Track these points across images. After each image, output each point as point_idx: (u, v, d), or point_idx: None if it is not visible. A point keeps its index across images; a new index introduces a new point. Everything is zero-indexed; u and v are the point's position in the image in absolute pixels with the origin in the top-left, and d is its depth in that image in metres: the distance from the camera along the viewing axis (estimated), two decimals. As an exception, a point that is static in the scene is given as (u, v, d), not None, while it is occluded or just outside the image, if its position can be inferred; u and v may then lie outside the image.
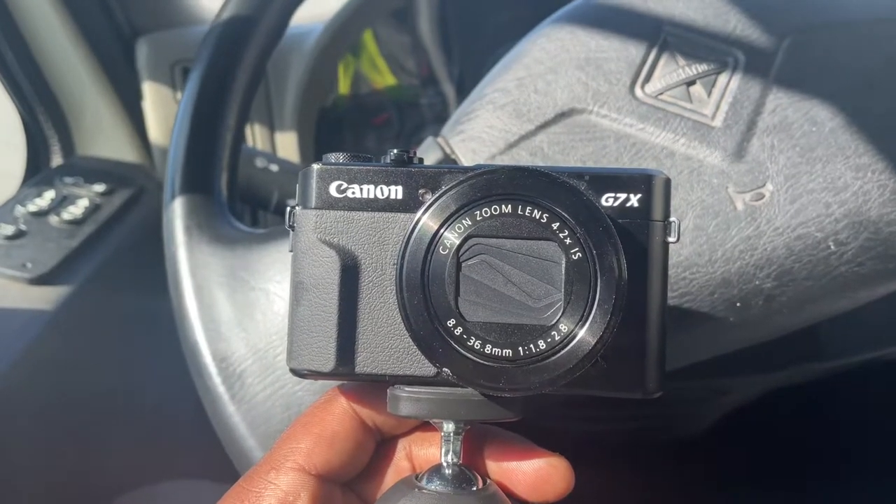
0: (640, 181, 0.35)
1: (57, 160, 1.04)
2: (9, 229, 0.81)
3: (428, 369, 0.35)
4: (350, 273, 0.36)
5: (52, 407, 0.72)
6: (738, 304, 0.49)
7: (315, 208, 0.36)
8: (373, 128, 1.20)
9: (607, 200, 0.35)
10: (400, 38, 1.18)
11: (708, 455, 1.04)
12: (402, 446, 0.39)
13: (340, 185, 0.36)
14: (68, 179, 0.92)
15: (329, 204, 0.36)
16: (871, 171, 0.49)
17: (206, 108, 0.59)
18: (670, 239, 0.35)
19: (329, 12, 1.08)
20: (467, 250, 0.34)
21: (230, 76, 0.60)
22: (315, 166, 0.36)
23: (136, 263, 0.86)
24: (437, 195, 0.34)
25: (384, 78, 1.16)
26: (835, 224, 0.48)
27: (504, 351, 0.33)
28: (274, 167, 0.80)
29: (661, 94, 0.53)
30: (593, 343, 0.33)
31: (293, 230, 0.37)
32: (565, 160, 0.52)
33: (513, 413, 0.36)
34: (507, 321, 0.33)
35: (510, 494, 0.37)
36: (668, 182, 0.36)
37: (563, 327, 0.33)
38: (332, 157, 0.37)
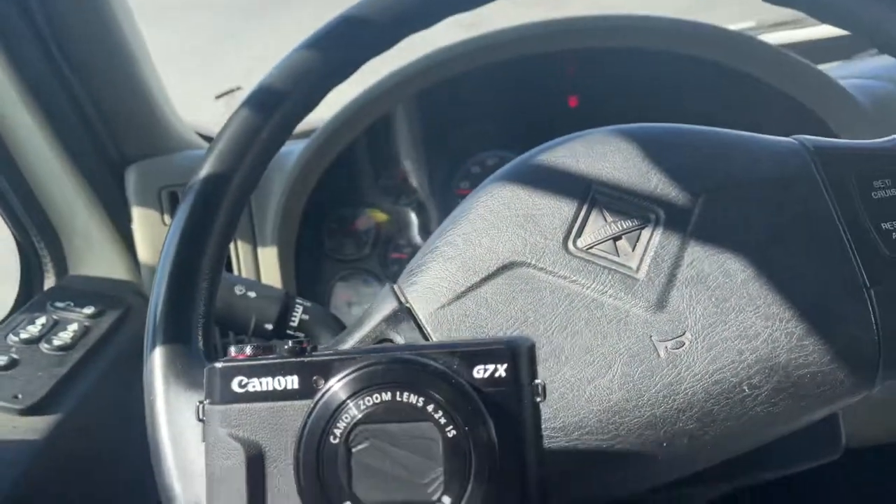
0: (505, 353, 0.40)
1: (50, 280, 1.09)
2: (2, 360, 0.86)
3: None
4: (256, 462, 0.40)
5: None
6: (664, 444, 0.54)
7: (220, 403, 0.40)
8: (351, 234, 1.27)
9: (478, 372, 0.39)
10: (370, 151, 1.25)
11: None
12: None
13: (241, 381, 0.40)
14: (59, 304, 0.97)
15: (232, 398, 0.40)
16: (778, 319, 0.54)
17: (182, 262, 0.64)
18: (538, 398, 0.40)
19: (309, 124, 1.16)
20: (356, 436, 0.38)
21: (205, 232, 0.65)
22: (217, 365, 0.41)
23: (123, 386, 0.90)
24: (323, 390, 0.38)
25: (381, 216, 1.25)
26: (748, 369, 0.54)
27: None
28: (252, 294, 0.85)
29: (592, 247, 0.59)
30: None
31: (203, 424, 0.41)
32: (507, 310, 0.57)
33: None
34: (398, 499, 0.37)
35: None
36: (531, 349, 0.41)
37: (447, 500, 0.37)
38: (234, 349, 0.42)
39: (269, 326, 0.83)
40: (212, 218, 0.66)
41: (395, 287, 0.62)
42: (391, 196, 1.27)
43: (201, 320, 0.64)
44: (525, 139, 0.78)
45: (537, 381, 0.41)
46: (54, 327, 0.93)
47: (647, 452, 0.54)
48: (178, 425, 0.59)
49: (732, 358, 0.54)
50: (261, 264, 1.13)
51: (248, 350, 0.42)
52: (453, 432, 0.38)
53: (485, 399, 0.39)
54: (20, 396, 0.81)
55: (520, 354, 0.40)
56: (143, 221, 1.08)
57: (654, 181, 0.60)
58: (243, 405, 0.40)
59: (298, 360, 0.40)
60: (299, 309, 0.84)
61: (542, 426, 0.54)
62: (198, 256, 0.64)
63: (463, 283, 0.59)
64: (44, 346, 0.89)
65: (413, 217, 1.27)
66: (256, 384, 0.40)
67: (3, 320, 0.99)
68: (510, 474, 0.39)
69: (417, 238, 1.26)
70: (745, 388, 0.54)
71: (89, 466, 0.84)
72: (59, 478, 0.80)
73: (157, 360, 0.61)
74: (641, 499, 0.84)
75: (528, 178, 0.62)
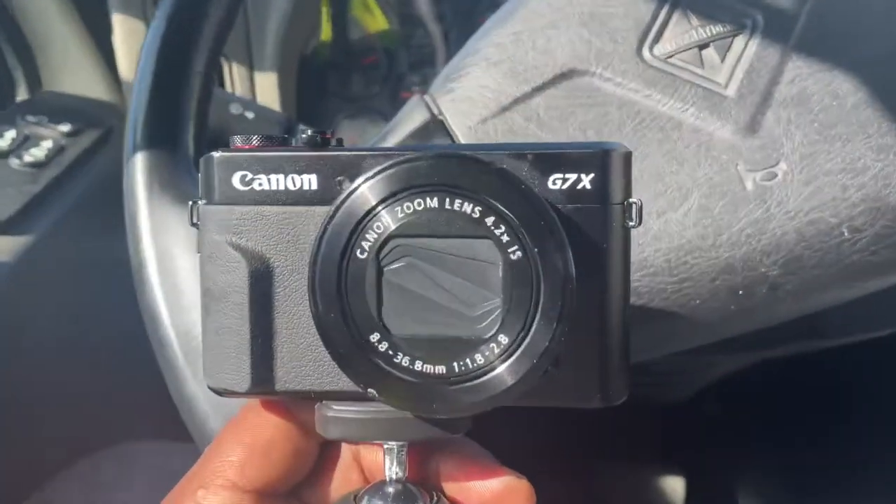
0: (592, 159, 0.30)
1: (22, 94, 0.98)
2: (-35, 172, 0.76)
3: None
4: (262, 279, 0.31)
5: (9, 362, 0.69)
6: (740, 292, 0.46)
7: (218, 203, 0.32)
8: (359, 70, 1.14)
9: (555, 183, 0.30)
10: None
11: (690, 417, 1.03)
12: (349, 447, 0.35)
13: (245, 176, 0.31)
14: (31, 118, 0.86)
15: (234, 199, 0.31)
16: (893, 152, 0.45)
17: (171, 50, 0.54)
18: (630, 224, 0.31)
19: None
20: (389, 252, 0.29)
21: (200, 14, 0.54)
22: (215, 154, 0.32)
23: (102, 211, 0.81)
24: (349, 189, 0.30)
25: (377, 21, 1.10)
26: (851, 209, 0.45)
27: (437, 368, 0.29)
28: (250, 114, 0.75)
29: (671, 56, 0.48)
30: (538, 356, 0.29)
31: (197, 228, 0.32)
32: (563, 127, 0.48)
33: (457, 430, 0.33)
34: (439, 333, 0.29)
35: None
36: (626, 157, 0.31)
37: (504, 338, 0.29)
38: (239, 139, 0.33)
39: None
40: (205, 4, 0.54)
41: (428, 97, 0.52)
42: (408, 25, 1.14)
43: (192, 123, 0.54)
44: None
45: (632, 199, 0.31)
46: (25, 142, 0.82)
47: (719, 301, 0.46)
48: (164, 241, 0.50)
49: (834, 194, 0.45)
50: (257, 91, 1.01)
51: (256, 140, 0.33)
52: (518, 254, 0.29)
53: (562, 216, 0.30)
54: (-14, 212, 0.73)
55: (611, 163, 0.30)
56: (125, 32, 0.95)
57: (753, -21, 0.49)
58: (247, 207, 0.31)
59: (319, 153, 0.31)
60: (304, 135, 0.74)
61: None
62: (190, 45, 0.54)
63: (510, 92, 0.49)
64: (13, 161, 0.80)
65: (427, 54, 1.15)
66: (264, 181, 0.31)
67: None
68: (589, 315, 0.31)
69: (433, 74, 1.14)
70: (845, 230, 0.45)
71: (65, 296, 0.77)
72: (30, 300, 0.72)
73: (139, 164, 0.52)
74: (662, 362, 0.79)
75: (598, -32, 0.51)
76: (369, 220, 0.29)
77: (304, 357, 0.32)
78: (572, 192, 0.30)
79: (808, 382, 0.97)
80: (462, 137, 0.49)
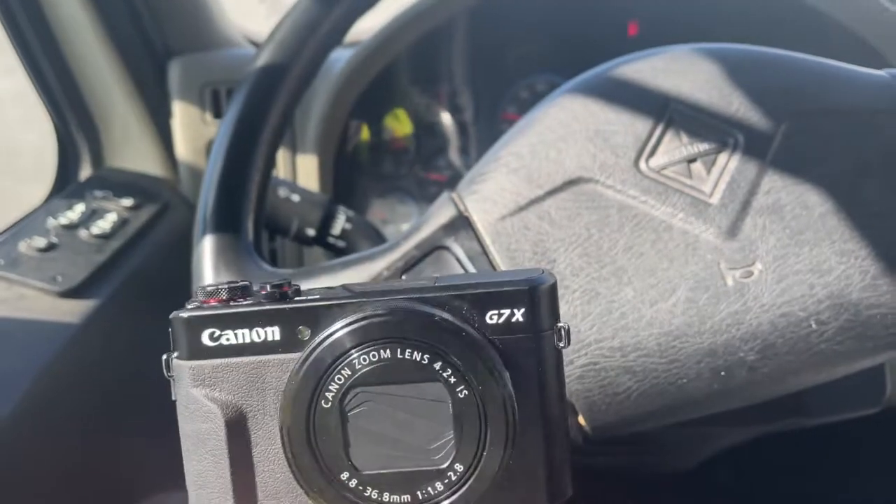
0: (521, 295, 0.34)
1: (86, 171, 1.08)
2: (41, 242, 0.86)
3: None
4: (236, 425, 0.34)
5: (74, 418, 0.76)
6: (722, 373, 0.53)
7: (188, 359, 0.34)
8: (390, 153, 1.24)
9: (491, 318, 0.34)
10: (419, 60, 1.21)
11: (698, 484, 1.07)
12: None
13: (213, 333, 0.34)
14: (98, 193, 0.96)
15: (203, 354, 0.34)
16: (854, 256, 0.52)
17: (237, 152, 0.63)
18: (560, 345, 0.35)
19: (357, 34, 1.12)
20: (351, 399, 0.33)
21: (262, 122, 0.64)
22: (182, 315, 0.34)
23: (160, 279, 0.90)
24: (309, 348, 0.33)
25: (403, 127, 1.21)
26: (817, 305, 0.52)
27: (402, 497, 0.33)
28: (295, 197, 0.84)
29: (664, 168, 0.56)
30: (490, 479, 0.32)
31: (172, 380, 0.35)
32: (571, 226, 0.56)
33: None
34: (402, 467, 0.33)
35: None
36: (551, 288, 0.35)
37: (459, 467, 0.33)
38: (202, 293, 0.35)
39: (311, 232, 0.81)
40: (268, 108, 0.64)
41: (455, 195, 0.60)
42: (434, 115, 1.24)
43: (252, 213, 0.63)
44: (579, 64, 0.74)
45: (560, 324, 0.35)
46: (93, 215, 0.92)
47: (704, 381, 0.53)
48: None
49: (803, 291, 0.52)
50: (298, 173, 1.11)
51: (224, 293, 0.35)
52: (465, 392, 0.32)
53: (500, 350, 0.34)
54: (59, 279, 0.81)
55: (539, 295, 0.34)
56: (184, 117, 1.06)
57: (735, 104, 0.57)
58: (217, 361, 0.34)
59: (279, 306, 0.34)
60: (342, 217, 0.82)
61: (600, 345, 0.53)
62: (252, 146, 0.63)
63: (526, 195, 0.57)
64: (82, 233, 0.89)
65: (455, 139, 1.25)
66: (231, 336, 0.34)
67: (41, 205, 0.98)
68: (531, 436, 0.34)
69: (457, 160, 1.23)
70: (813, 323, 0.52)
71: (124, 357, 0.85)
72: (93, 363, 0.80)
73: (207, 247, 0.60)
74: (664, 433, 0.84)
75: (602, 91, 0.60)
76: (331, 374, 0.33)
77: (282, 491, 0.34)
78: (507, 325, 0.34)
79: (818, 449, 1.01)
80: (484, 232, 0.57)
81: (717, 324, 0.52)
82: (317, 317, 0.34)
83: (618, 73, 0.60)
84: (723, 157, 0.56)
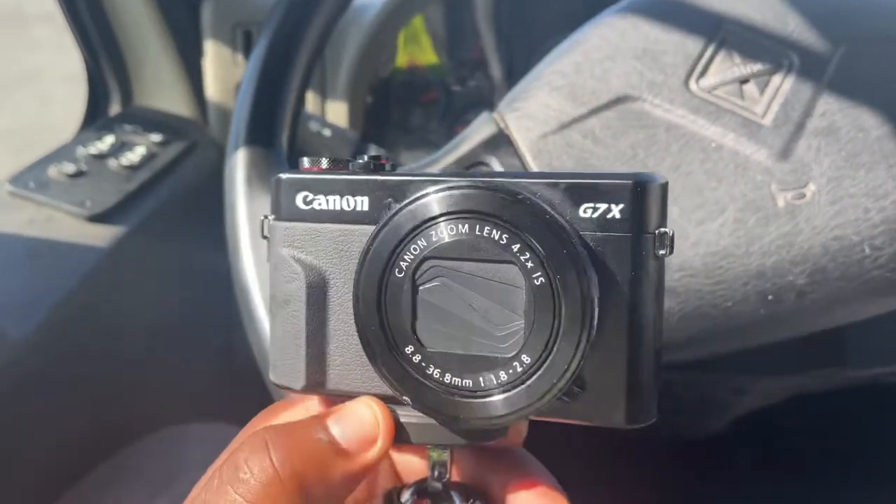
0: (621, 190, 0.31)
1: (115, 108, 1.08)
2: (70, 168, 0.85)
3: None
4: (317, 289, 0.34)
5: (96, 340, 0.76)
6: (770, 297, 0.51)
7: (283, 220, 0.35)
8: (420, 105, 1.23)
9: (586, 212, 0.31)
10: (447, 19, 1.20)
11: (715, 455, 1.05)
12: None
13: (307, 196, 0.34)
14: (127, 127, 0.96)
15: (296, 216, 0.34)
16: None
17: (273, 67, 0.62)
18: (661, 252, 0.32)
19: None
20: (424, 272, 0.31)
21: (298, 40, 0.62)
22: (282, 176, 0.35)
23: (186, 214, 0.89)
24: (390, 213, 0.32)
25: (426, 55, 1.19)
26: (872, 229, 0.50)
27: (464, 381, 0.31)
28: (326, 132, 0.83)
29: (715, 89, 0.55)
30: (558, 377, 0.30)
31: (267, 241, 0.35)
32: (616, 144, 0.54)
33: (489, 438, 0.34)
34: (467, 350, 0.31)
35: None
36: (660, 188, 0.32)
37: (526, 358, 0.31)
38: (308, 161, 0.35)
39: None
40: (307, 26, 0.62)
41: (496, 113, 0.58)
42: (466, 70, 1.22)
43: (287, 128, 0.62)
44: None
45: (664, 229, 0.32)
46: (122, 147, 0.91)
47: (750, 305, 0.51)
48: (257, 225, 0.57)
49: (857, 215, 0.50)
50: (328, 118, 1.10)
51: (325, 162, 0.35)
52: (541, 280, 0.30)
53: (591, 244, 0.31)
54: (88, 203, 0.81)
55: (646, 193, 0.31)
56: (215, 58, 1.05)
57: (791, 25, 0.55)
58: (308, 224, 0.34)
59: (370, 177, 0.34)
60: (361, 160, 0.81)
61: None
62: (289, 61, 0.62)
63: (569, 112, 0.55)
64: (111, 163, 0.88)
65: (484, 95, 1.23)
66: (323, 202, 0.34)
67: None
68: (618, 339, 0.31)
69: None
70: (867, 248, 0.50)
71: (148, 285, 0.84)
72: (118, 288, 0.80)
73: (240, 159, 0.59)
74: (693, 383, 0.82)
75: (652, 11, 0.58)
76: (407, 243, 0.31)
77: (352, 362, 0.34)
78: (603, 221, 0.31)
79: (833, 428, 0.99)
80: (525, 150, 0.56)
81: (767, 245, 0.50)
82: (405, 191, 0.33)
83: (669, -7, 0.58)
84: (777, 79, 0.54)
